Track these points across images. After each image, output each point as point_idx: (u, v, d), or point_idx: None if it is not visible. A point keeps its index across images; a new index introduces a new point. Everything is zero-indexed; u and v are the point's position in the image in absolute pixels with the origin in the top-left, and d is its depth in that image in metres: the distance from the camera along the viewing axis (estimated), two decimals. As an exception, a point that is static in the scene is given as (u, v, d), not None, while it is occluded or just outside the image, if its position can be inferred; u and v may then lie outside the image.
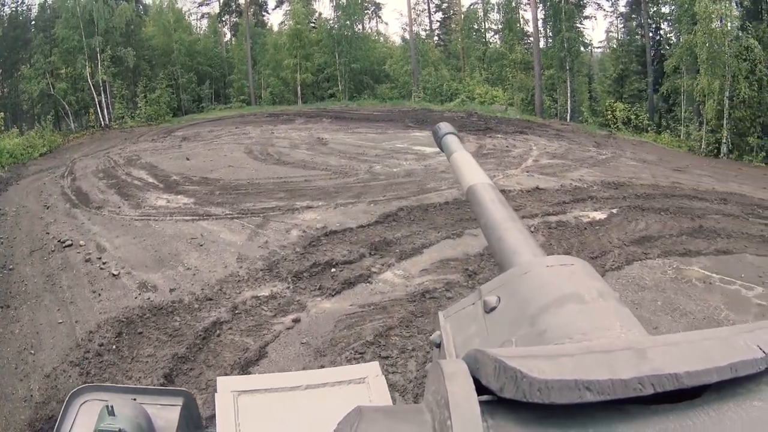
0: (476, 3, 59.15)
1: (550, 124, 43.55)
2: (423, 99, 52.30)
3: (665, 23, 48.77)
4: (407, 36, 58.84)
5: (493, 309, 1.44)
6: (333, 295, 13.35)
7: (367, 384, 2.75)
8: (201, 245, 16.56)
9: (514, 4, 54.49)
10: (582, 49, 50.53)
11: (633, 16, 51.28)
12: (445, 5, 60.85)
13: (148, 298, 13.33)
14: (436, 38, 61.22)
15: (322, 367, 10.19)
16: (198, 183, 23.61)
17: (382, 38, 63.53)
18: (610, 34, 54.46)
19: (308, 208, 19.62)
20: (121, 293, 13.75)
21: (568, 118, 47.10)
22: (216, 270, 14.79)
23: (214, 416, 2.32)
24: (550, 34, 49.98)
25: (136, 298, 13.42)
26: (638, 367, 0.84)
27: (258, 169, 26.08)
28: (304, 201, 20.30)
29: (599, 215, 19.29)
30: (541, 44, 50.89)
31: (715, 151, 37.19)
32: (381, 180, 23.48)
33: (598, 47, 55.53)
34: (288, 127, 39.15)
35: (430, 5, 60.46)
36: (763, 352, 0.90)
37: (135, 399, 2.32)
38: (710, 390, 0.87)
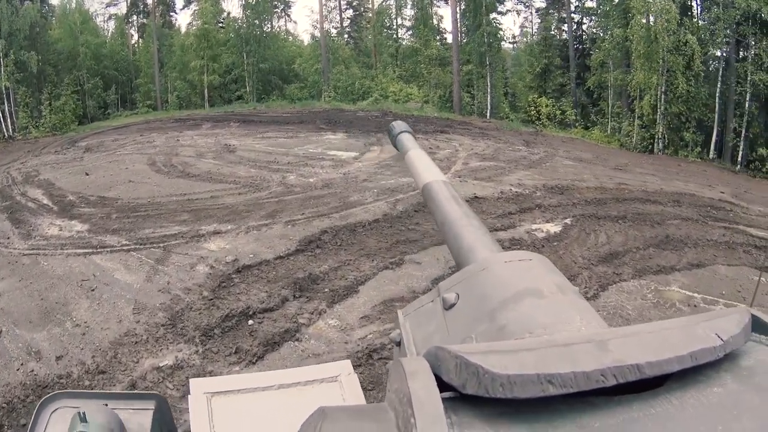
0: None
1: (471, 122, 43.28)
2: (334, 99, 51.40)
3: (588, 18, 49.45)
4: (317, 34, 57.78)
5: (452, 306, 1.51)
6: (254, 362, 11.08)
7: (339, 382, 3.03)
8: (93, 289, 13.81)
9: (427, 0, 53.96)
10: (504, 44, 51.37)
11: (550, 11, 51.87)
12: (356, 2, 60.02)
13: (32, 371, 10.78)
14: (346, 36, 60.29)
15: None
16: (94, 204, 21.02)
17: (291, 37, 62.32)
18: (525, 29, 54.96)
19: (216, 233, 17.27)
20: (1, 363, 11.13)
21: (488, 114, 47.09)
22: (109, 326, 12.20)
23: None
24: (465, 30, 49.93)
25: (17, 370, 10.86)
26: (600, 359, 0.88)
27: (160, 183, 23.64)
28: (211, 224, 18.03)
29: (553, 228, 18.22)
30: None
31: (650, 147, 37.54)
32: (297, 193, 21.47)
33: (512, 43, 56.17)
34: (194, 133, 37.04)
35: (341, 2, 59.36)
36: (721, 339, 0.95)
37: (107, 404, 2.35)
38: (672, 379, 0.91)
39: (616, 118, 41.33)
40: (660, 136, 37.33)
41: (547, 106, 44.92)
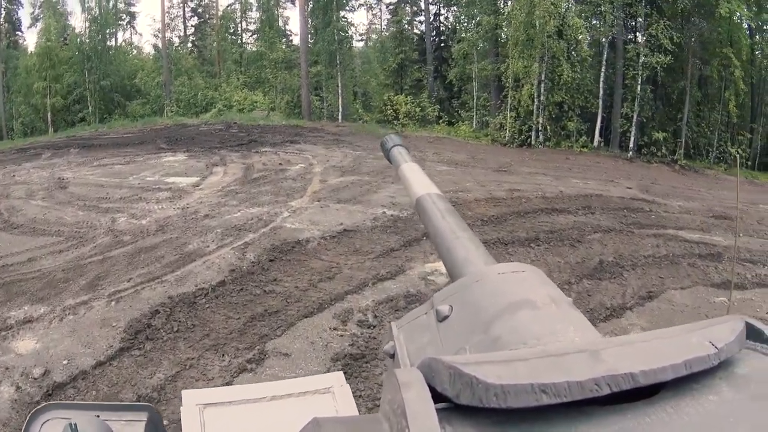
0: (234, 3, 57.85)
1: (323, 128, 41.42)
2: (176, 113, 48.71)
3: (446, 9, 48.90)
4: (159, 44, 55.36)
5: (445, 318, 1.48)
6: None
7: (332, 393, 3.03)
8: None
9: (273, 2, 53.72)
10: (356, 43, 50.48)
11: (403, 4, 50.98)
12: (201, 9, 58.42)
13: None
14: (190, 44, 58.44)
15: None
16: None
17: (135, 50, 59.70)
18: (374, 25, 54.51)
19: (26, 323, 12.25)
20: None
21: (340, 117, 45.71)
22: None
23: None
24: (313, 30, 48.45)
25: None
26: (593, 368, 0.88)
27: (-29, 243, 18.23)
28: (21, 307, 12.96)
29: None
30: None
31: (527, 140, 36.43)
32: (126, 244, 16.88)
33: (361, 40, 55.53)
34: (32, 166, 31.69)
35: (185, 9, 57.63)
36: (716, 347, 0.95)
37: (98, 416, 2.27)
38: (666, 388, 0.91)
39: (483, 111, 40.85)
40: (540, 128, 36.39)
41: (405, 103, 43.22)
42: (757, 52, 39.13)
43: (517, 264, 1.57)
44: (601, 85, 37.15)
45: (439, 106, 44.73)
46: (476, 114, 41.33)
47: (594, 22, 37.50)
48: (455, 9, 46.93)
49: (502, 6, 39.77)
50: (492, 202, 21.11)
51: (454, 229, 2.08)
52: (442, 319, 1.47)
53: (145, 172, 27.09)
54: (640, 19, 36.52)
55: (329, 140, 34.96)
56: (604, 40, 37.93)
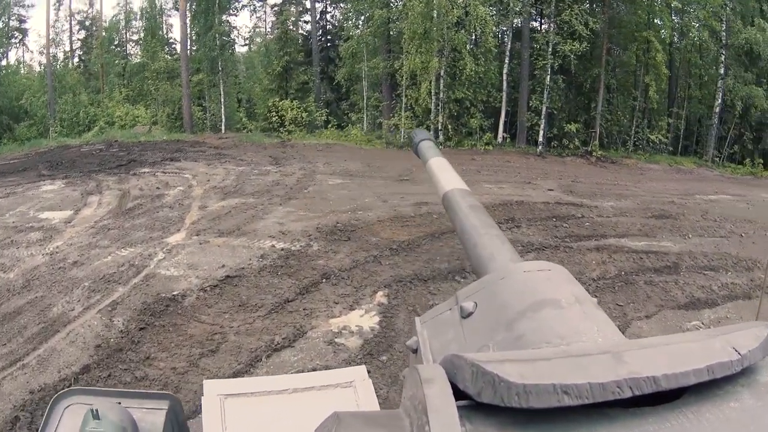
0: (119, 13, 53.86)
1: (205, 141, 38.38)
2: (60, 134, 44.89)
3: (334, 6, 47.38)
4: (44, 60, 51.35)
5: (470, 314, 1.54)
6: None
7: (354, 388, 3.19)
8: None
9: (158, 8, 50.49)
10: (237, 47, 48.53)
11: (288, 4, 48.64)
12: (88, 22, 53.81)
13: None
14: (76, 59, 54.01)
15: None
16: None
17: (24, 69, 54.93)
18: (258, 29, 52.63)
19: None
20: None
21: (223, 128, 43.51)
22: None
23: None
24: (195, 36, 45.95)
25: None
26: (616, 370, 0.89)
27: None
28: None
29: (368, 320, 12.80)
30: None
31: None
32: None
33: (245, 45, 52.87)
34: None
35: (72, 22, 52.88)
36: (739, 354, 0.95)
37: (120, 402, 2.43)
38: (688, 392, 0.93)
39: (375, 112, 39.32)
40: (440, 127, 34.51)
41: (291, 109, 40.67)
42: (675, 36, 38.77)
43: (543, 262, 1.62)
44: (504, 77, 35.89)
45: (327, 110, 42.77)
46: (367, 116, 39.52)
47: (497, 10, 35.98)
48: (343, 5, 45.41)
49: (395, -1, 37.72)
50: (399, 223, 18.98)
51: (480, 225, 2.23)
52: (466, 315, 1.53)
53: (21, 206, 23.48)
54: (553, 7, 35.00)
55: (211, 155, 32.13)
56: (505, 29, 36.93)
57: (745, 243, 19.15)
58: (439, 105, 34.09)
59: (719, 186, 29.98)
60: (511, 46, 36.33)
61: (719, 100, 37.07)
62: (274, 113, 40.98)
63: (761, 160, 36.64)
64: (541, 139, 34.56)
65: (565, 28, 33.33)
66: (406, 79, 34.67)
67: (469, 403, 0.87)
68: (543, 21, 36.71)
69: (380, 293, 13.81)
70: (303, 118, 40.34)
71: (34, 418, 10.12)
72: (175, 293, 13.42)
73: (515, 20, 35.72)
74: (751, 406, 0.91)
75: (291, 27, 47.27)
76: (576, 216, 20.01)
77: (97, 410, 2.17)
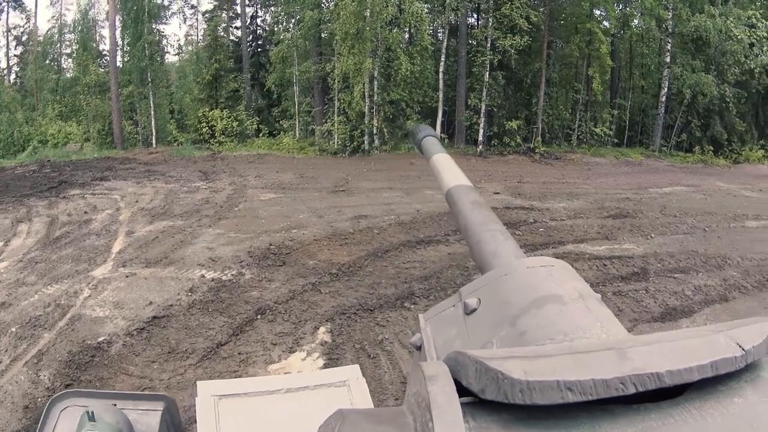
0: (53, 27, 50.41)
1: (136, 157, 36.07)
2: None
3: (265, 11, 45.87)
4: None
5: (473, 311, 1.56)
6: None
7: (348, 387, 3.19)
8: None
9: (91, 19, 47.44)
10: (169, 57, 46.85)
11: (219, 10, 47.46)
12: (25, 36, 51.25)
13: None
14: (13, 76, 51.34)
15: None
16: None
17: None
18: (191, 37, 50.46)
19: None
20: None
21: (154, 142, 41.31)
22: None
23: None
24: (127, 48, 43.56)
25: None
26: (620, 366, 0.89)
27: None
28: None
29: (314, 366, 11.21)
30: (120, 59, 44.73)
31: (359, 147, 33.01)
32: None
33: (177, 53, 50.45)
34: None
35: (9, 38, 50.35)
36: (743, 349, 0.96)
37: (115, 404, 2.44)
38: (692, 388, 0.93)
39: (307, 118, 37.44)
40: (375, 131, 32.71)
41: (221, 119, 38.82)
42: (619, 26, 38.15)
43: (546, 258, 1.63)
44: (440, 76, 34.46)
45: (258, 118, 40.71)
46: (299, 122, 37.73)
47: (432, 6, 34.36)
48: (273, 9, 43.62)
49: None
50: (337, 241, 17.28)
51: (484, 221, 2.28)
52: (469, 311, 1.54)
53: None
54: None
55: (140, 173, 29.96)
56: (441, 25, 35.36)
57: (709, 238, 18.59)
58: (373, 108, 32.41)
59: (672, 177, 29.42)
60: (447, 43, 34.90)
61: (665, 89, 36.67)
62: (204, 124, 38.84)
63: (711, 147, 36.40)
64: (481, 138, 33.41)
65: (505, 23, 31.98)
66: (339, 82, 33.10)
67: (472, 400, 0.88)
68: (480, 16, 35.36)
69: (322, 329, 12.23)
70: (234, 127, 38.40)
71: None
72: (100, 339, 11.85)
73: (451, 16, 33.94)
74: (755, 402, 0.90)
75: (222, 33, 45.66)
76: (528, 221, 18.77)
77: (92, 412, 2.15)
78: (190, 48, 50.68)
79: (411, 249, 16.29)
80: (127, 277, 15.03)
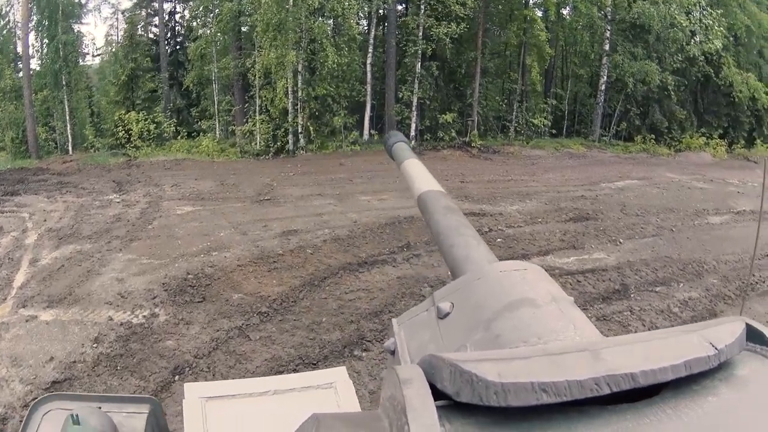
0: None
1: (50, 167, 32.27)
2: None
3: (184, 6, 42.25)
4: None
5: (446, 315, 1.52)
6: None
7: (334, 389, 3.14)
8: None
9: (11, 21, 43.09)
10: (89, 59, 43.17)
11: (137, 10, 43.44)
12: None
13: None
14: None
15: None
16: None
17: None
18: (110, 37, 45.94)
19: None
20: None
21: (71, 149, 37.66)
22: None
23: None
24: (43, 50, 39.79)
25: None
26: (594, 367, 0.88)
27: None
28: None
29: None
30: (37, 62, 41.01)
31: (283, 147, 30.43)
32: None
33: (97, 55, 46.56)
34: None
35: None
36: (716, 348, 0.95)
37: (100, 407, 2.38)
38: (666, 388, 0.92)
39: (227, 117, 34.56)
40: (300, 130, 30.07)
41: (137, 121, 35.19)
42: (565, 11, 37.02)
43: (518, 262, 1.59)
44: (369, 68, 31.86)
45: (175, 120, 37.45)
46: (219, 122, 34.92)
47: None
48: (191, 3, 40.16)
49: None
50: (265, 265, 14.79)
51: (456, 226, 2.15)
52: (443, 316, 1.50)
53: None
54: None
55: (53, 185, 26.58)
56: (369, 13, 32.79)
57: (679, 240, 17.61)
58: (297, 104, 29.86)
59: (620, 169, 28.26)
60: (375, 33, 32.54)
61: (605, 78, 35.50)
62: (120, 128, 35.39)
63: (652, 136, 35.64)
64: (413, 133, 31.25)
65: (439, 9, 29.85)
66: (260, 78, 30.47)
67: (448, 403, 0.87)
68: (410, 4, 33.01)
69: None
70: (151, 131, 35.12)
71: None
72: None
73: (380, 3, 31.50)
74: (729, 400, 0.91)
75: (141, 32, 42.25)
76: (482, 230, 16.36)
77: (77, 415, 2.08)
78: (110, 48, 46.53)
79: (353, 273, 14.06)
80: (26, 321, 12.45)
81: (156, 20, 42.67)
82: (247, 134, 31.27)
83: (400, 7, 33.61)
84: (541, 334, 1.22)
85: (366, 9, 32.37)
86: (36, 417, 2.32)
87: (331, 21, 30.96)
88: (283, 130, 30.05)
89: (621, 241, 16.62)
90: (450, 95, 32.86)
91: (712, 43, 34.23)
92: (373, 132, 31.76)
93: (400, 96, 31.28)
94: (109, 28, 46.34)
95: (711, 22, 34.33)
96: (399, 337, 1.58)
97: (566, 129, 37.10)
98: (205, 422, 2.77)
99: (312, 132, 29.96)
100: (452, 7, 29.35)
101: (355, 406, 2.98)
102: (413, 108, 30.97)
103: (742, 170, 31.76)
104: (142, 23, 42.86)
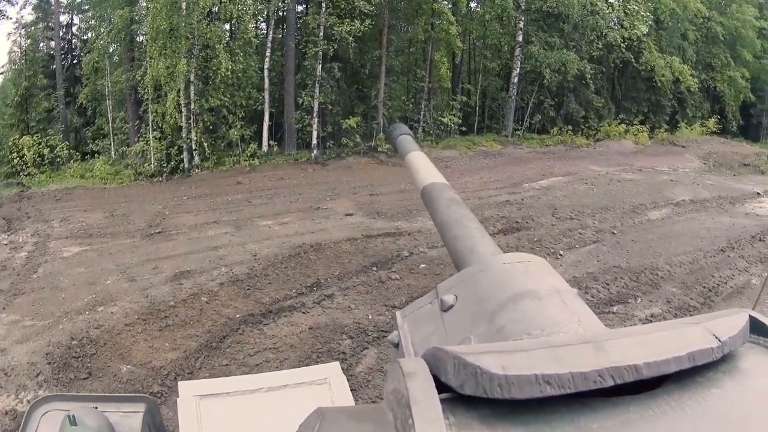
0: None
1: None
2: None
3: (79, 16, 38.17)
4: None
5: (450, 307, 1.50)
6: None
7: (328, 384, 3.07)
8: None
9: None
10: None
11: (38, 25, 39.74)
12: None
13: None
14: None
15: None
16: None
17: None
18: (13, 53, 41.92)
19: None
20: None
21: None
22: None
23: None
24: None
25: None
26: (597, 359, 0.87)
27: None
28: None
29: None
30: None
31: (180, 166, 27.20)
32: None
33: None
34: None
35: None
36: (719, 341, 0.94)
37: (96, 407, 2.31)
38: (670, 380, 0.91)
39: (122, 136, 31.06)
40: (195, 146, 26.93)
41: (30, 146, 31.36)
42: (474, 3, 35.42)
43: (522, 254, 1.57)
44: (266, 73, 28.83)
45: (71, 141, 33.18)
46: (114, 141, 31.15)
47: None
48: (86, 14, 36.53)
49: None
50: (156, 322, 11.84)
51: (460, 218, 2.14)
52: (446, 308, 1.47)
53: None
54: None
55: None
56: (266, 13, 29.96)
57: (623, 243, 16.36)
58: (191, 118, 26.89)
59: (541, 166, 26.74)
60: (274, 35, 29.79)
61: (518, 70, 34.12)
62: (15, 154, 31.57)
63: (569, 127, 34.65)
64: (315, 141, 28.64)
65: (343, 6, 27.41)
66: (150, 91, 27.21)
67: (451, 396, 0.86)
68: (311, 3, 30.19)
69: None
70: (45, 155, 31.22)
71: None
72: None
73: (278, 4, 29.21)
74: (732, 392, 0.90)
75: (42, 46, 38.43)
76: (401, 255, 14.69)
77: (74, 416, 2.07)
78: (13, 66, 41.92)
79: (257, 327, 11.49)
80: None
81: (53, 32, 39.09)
82: (140, 154, 28.14)
83: (300, 8, 30.92)
84: (545, 326, 1.22)
85: (265, 11, 29.62)
86: (34, 418, 2.21)
87: (227, 26, 28.21)
88: (176, 147, 27.17)
89: (561, 253, 15.06)
90: (353, 98, 30.50)
91: (638, 29, 33.77)
92: (272, 143, 28.98)
93: (301, 102, 28.62)
94: (12, 44, 42.72)
95: (636, 7, 33.77)
96: (402, 330, 1.55)
97: (477, 125, 35.36)
98: (200, 420, 2.69)
99: (207, 148, 27.10)
100: (356, 3, 27.02)
101: (349, 402, 2.89)
102: (314, 114, 28.34)
103: (670, 156, 31.13)
104: (41, 37, 38.92)
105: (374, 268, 14.11)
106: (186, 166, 26.82)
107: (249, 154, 27.62)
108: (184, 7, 25.17)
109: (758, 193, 23.83)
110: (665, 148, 34.67)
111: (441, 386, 0.84)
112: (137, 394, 2.60)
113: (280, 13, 30.29)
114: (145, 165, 27.35)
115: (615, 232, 17.18)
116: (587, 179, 23.68)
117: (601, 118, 36.65)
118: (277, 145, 29.17)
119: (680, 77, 38.29)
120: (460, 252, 1.91)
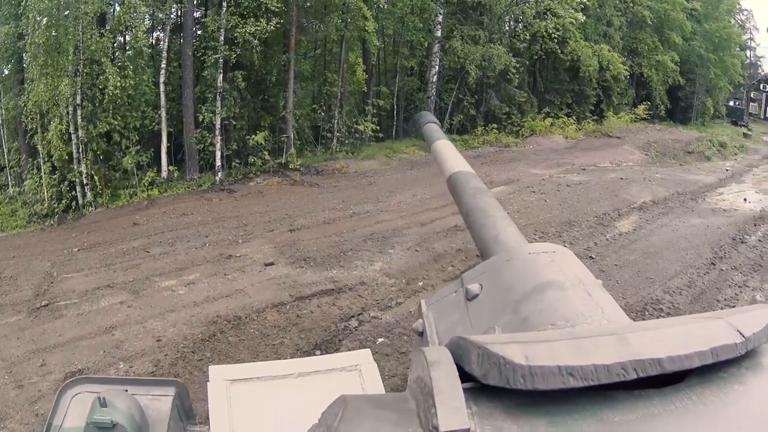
0: None
1: None
2: None
3: None
4: None
5: (475, 296, 1.62)
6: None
7: (359, 371, 3.12)
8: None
9: None
10: None
11: None
12: None
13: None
14: None
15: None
16: None
17: None
18: None
19: None
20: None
21: None
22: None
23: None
24: None
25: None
26: (620, 352, 0.90)
27: None
28: None
29: None
30: None
31: (73, 205, 23.25)
32: None
33: None
34: None
35: None
36: (743, 336, 0.97)
37: (127, 390, 2.53)
38: (693, 375, 0.94)
39: (17, 169, 26.59)
40: (86, 180, 23.08)
41: None
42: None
43: (547, 244, 1.69)
44: (162, 88, 25.48)
45: None
46: (10, 176, 26.77)
47: None
48: None
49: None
50: None
51: (485, 207, 2.37)
52: (471, 297, 1.59)
53: None
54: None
55: None
56: (161, 18, 26.98)
57: (609, 271, 15.12)
58: (80, 147, 23.14)
59: (477, 173, 23.35)
60: (170, 44, 26.38)
61: (437, 68, 32.81)
62: None
63: (494, 125, 33.76)
64: (219, 162, 25.53)
65: (246, 4, 24.40)
66: (35, 118, 23.25)
67: (474, 385, 0.89)
68: (210, 3, 27.18)
69: None
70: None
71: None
72: None
73: (171, 7, 26.18)
74: (755, 389, 0.91)
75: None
76: (349, 327, 12.45)
77: (104, 398, 2.25)
78: None
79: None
80: None
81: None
82: (35, 193, 23.97)
83: (198, 13, 27.38)
84: (569, 317, 1.28)
85: (159, 16, 26.61)
86: (65, 399, 2.42)
87: (119, 37, 25.40)
88: (67, 182, 23.23)
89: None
90: (258, 109, 27.48)
91: (572, 16, 34.37)
92: (171, 168, 25.60)
93: (201, 119, 25.43)
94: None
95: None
96: (427, 319, 1.69)
97: (395, 131, 33.30)
98: (230, 404, 2.73)
99: (98, 182, 23.49)
100: (263, 1, 24.13)
101: (379, 389, 2.94)
102: (217, 131, 25.27)
103: (608, 149, 31.04)
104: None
105: (317, 352, 11.48)
106: (80, 202, 23.17)
107: (147, 183, 24.24)
108: (70, 18, 21.71)
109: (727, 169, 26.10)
110: (600, 141, 33.89)
111: (464, 376, 0.87)
112: (167, 378, 3.12)
113: (178, 20, 27.13)
114: (36, 205, 23.39)
115: (593, 256, 16.03)
116: (533, 186, 22.46)
117: (524, 114, 35.65)
118: (177, 170, 25.77)
119: (610, 66, 38.03)
120: (485, 240, 2.11)
